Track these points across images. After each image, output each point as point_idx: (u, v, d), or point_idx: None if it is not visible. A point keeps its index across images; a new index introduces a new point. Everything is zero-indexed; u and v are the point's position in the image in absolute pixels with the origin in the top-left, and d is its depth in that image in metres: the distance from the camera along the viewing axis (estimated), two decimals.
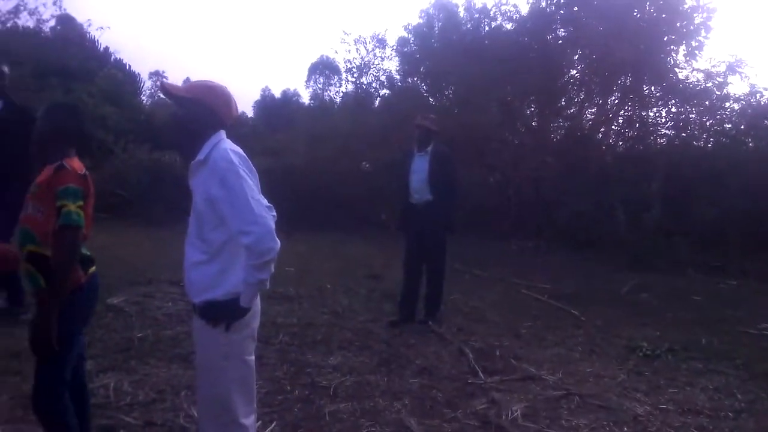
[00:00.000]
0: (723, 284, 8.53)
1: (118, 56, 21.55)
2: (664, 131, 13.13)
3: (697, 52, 12.01)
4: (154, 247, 8.62)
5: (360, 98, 17.06)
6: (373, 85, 16.95)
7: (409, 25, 16.49)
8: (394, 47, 16.49)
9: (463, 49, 13.21)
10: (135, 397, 3.60)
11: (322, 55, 28.57)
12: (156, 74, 28.40)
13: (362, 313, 6.05)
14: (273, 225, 2.13)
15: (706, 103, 12.13)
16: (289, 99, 28.89)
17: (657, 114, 13.22)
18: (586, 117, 13.79)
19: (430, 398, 3.93)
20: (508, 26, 13.89)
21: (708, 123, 12.41)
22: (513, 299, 7.18)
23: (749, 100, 12.03)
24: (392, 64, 16.68)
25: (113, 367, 4.03)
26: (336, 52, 27.63)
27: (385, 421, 3.55)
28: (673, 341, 5.51)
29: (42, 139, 2.55)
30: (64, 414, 2.44)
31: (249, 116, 25.70)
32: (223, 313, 2.19)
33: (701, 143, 12.50)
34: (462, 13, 15.46)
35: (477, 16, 14.70)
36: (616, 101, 13.39)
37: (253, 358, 2.36)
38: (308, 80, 30.15)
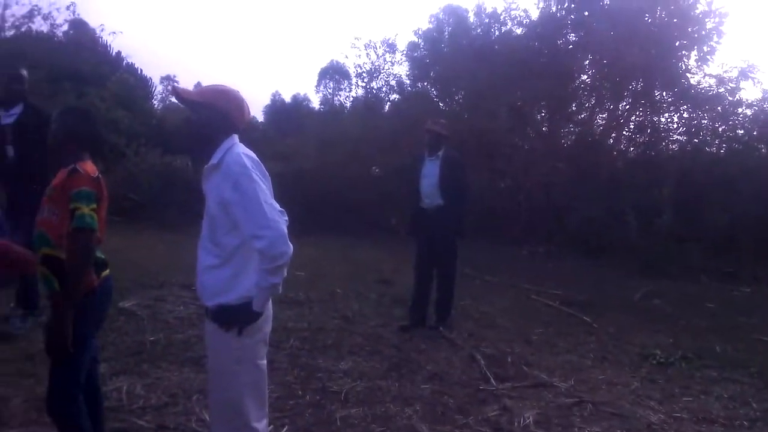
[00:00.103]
0: (736, 291, 8.45)
1: (129, 61, 21.68)
2: (675, 137, 13.08)
3: (709, 57, 11.97)
4: (166, 250, 8.65)
5: (370, 103, 17.10)
6: (383, 89, 17.04)
7: (419, 30, 16.54)
8: (404, 52, 16.56)
9: (473, 53, 13.21)
10: (147, 400, 3.60)
11: (332, 60, 28.61)
12: (167, 79, 28.56)
13: (373, 318, 6.03)
14: (286, 229, 2.13)
15: (719, 108, 12.05)
16: (299, 104, 28.94)
17: (669, 119, 13.18)
18: (597, 122, 13.76)
19: (441, 404, 3.91)
20: (518, 31, 13.90)
21: (720, 129, 12.33)
22: (524, 305, 7.15)
23: (762, 105, 11.96)
24: (402, 69, 16.76)
25: (126, 370, 4.05)
26: (346, 57, 27.58)
27: (396, 426, 3.54)
28: (687, 349, 5.46)
29: (56, 142, 2.57)
30: (78, 417, 2.45)
31: (259, 121, 25.79)
32: (236, 317, 2.19)
33: (713, 149, 12.41)
34: (472, 18, 15.48)
35: (487, 20, 14.72)
36: (627, 106, 13.34)
37: (265, 362, 2.36)
38: (318, 85, 30.19)
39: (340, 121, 17.84)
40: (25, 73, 5.07)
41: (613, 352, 5.38)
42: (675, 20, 11.89)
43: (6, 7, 16.10)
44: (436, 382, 4.32)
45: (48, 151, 2.58)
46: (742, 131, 12.12)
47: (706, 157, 11.85)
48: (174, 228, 10.08)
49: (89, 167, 2.47)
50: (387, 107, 17.03)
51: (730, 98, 11.96)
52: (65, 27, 17.41)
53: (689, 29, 11.83)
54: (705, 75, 12.24)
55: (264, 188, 2.14)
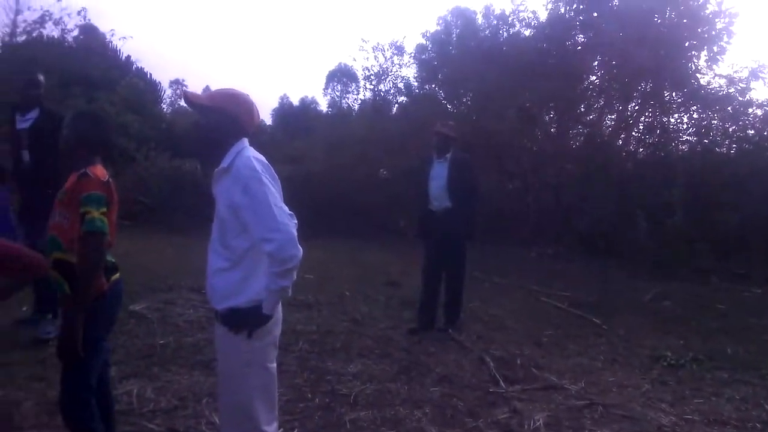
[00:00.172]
0: (747, 292, 8.38)
1: (139, 65, 21.85)
2: (685, 137, 13.00)
3: (719, 57, 11.90)
4: (175, 254, 8.69)
5: (378, 105, 17.13)
6: (391, 92, 17.05)
7: (427, 32, 16.57)
8: (412, 54, 16.59)
9: (481, 55, 13.19)
10: (157, 403, 3.62)
11: (339, 63, 28.63)
12: (176, 83, 28.75)
13: (381, 320, 6.03)
14: (295, 232, 2.14)
15: (729, 109, 11.98)
16: (307, 106, 29.00)
17: (678, 120, 13.10)
18: (606, 123, 13.70)
19: (450, 407, 3.91)
20: (527, 33, 13.88)
21: (730, 129, 12.25)
22: (533, 307, 7.12)
23: None
24: (410, 71, 16.79)
25: (136, 373, 4.07)
26: (354, 59, 27.71)
27: (406, 429, 3.53)
28: (698, 350, 5.43)
29: (67, 147, 2.59)
30: (91, 420, 2.47)
31: (267, 124, 25.86)
32: (246, 320, 2.20)
33: (724, 149, 12.33)
34: (480, 19, 15.49)
35: (495, 22, 14.70)
36: (637, 107, 13.29)
37: (274, 365, 2.37)
38: (326, 88, 30.22)
39: (347, 124, 17.88)
40: (41, 78, 5.12)
41: (623, 354, 5.35)
42: (685, 20, 11.83)
43: (18, 12, 16.26)
44: (446, 385, 4.31)
45: (60, 156, 2.60)
46: (752, 131, 12.04)
47: (717, 157, 11.77)
48: (183, 231, 10.12)
49: (99, 171, 2.49)
50: (395, 109, 17.06)
51: (741, 98, 11.89)
52: (76, 32, 17.54)
53: (699, 29, 11.76)
54: (715, 75, 12.19)
55: (274, 192, 2.15)
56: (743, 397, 4.37)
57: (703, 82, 12.24)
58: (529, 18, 13.77)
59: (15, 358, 4.03)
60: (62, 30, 16.81)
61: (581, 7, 12.63)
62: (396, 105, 17.12)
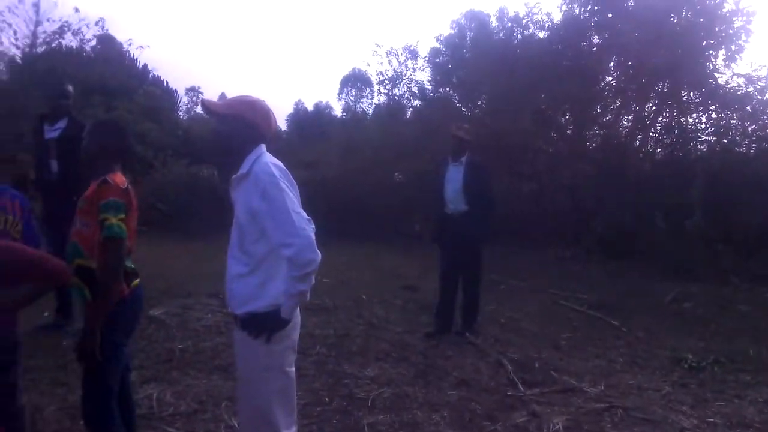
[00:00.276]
0: None
1: (156, 73, 22.18)
2: (704, 137, 12.81)
3: (737, 56, 11.73)
4: (192, 260, 8.78)
5: (392, 109, 17.15)
6: (405, 96, 17.05)
7: (440, 36, 16.60)
8: (426, 58, 16.60)
9: (495, 58, 13.14)
10: (177, 407, 3.65)
11: (353, 68, 28.87)
12: (192, 90, 29.14)
13: (398, 324, 6.03)
14: (314, 237, 2.15)
15: (748, 108, 11.80)
16: (321, 111, 29.20)
17: (696, 120, 12.92)
18: (623, 124, 13.57)
19: (469, 411, 3.89)
20: (541, 35, 13.80)
21: (750, 128, 12.06)
22: (551, 310, 7.07)
23: None
24: (424, 75, 16.81)
25: (156, 377, 4.12)
26: (368, 64, 27.92)
27: None
28: (719, 352, 5.35)
29: (88, 156, 2.63)
30: (112, 424, 2.50)
31: (283, 129, 26.05)
32: (265, 324, 2.21)
33: (743, 149, 12.14)
34: (494, 22, 15.43)
35: (509, 25, 14.64)
36: (654, 108, 13.15)
37: (293, 369, 2.38)
38: (340, 93, 30.44)
39: (362, 129, 17.93)
40: (70, 88, 5.23)
41: (643, 357, 5.30)
42: (701, 20, 11.69)
43: (38, 24, 16.56)
44: (463, 389, 4.30)
45: (82, 164, 2.64)
46: None
47: (736, 157, 11.59)
48: (199, 237, 10.23)
49: (119, 178, 2.53)
50: (409, 113, 17.07)
51: (760, 97, 11.70)
52: (94, 42, 17.84)
53: (716, 28, 11.62)
54: (733, 74, 12.01)
55: (292, 197, 2.17)
56: (766, 399, 4.30)
57: (721, 81, 12.07)
58: (543, 20, 13.72)
59: (37, 364, 4.08)
60: (81, 40, 17.16)
61: (596, 8, 12.54)
62: (410, 109, 17.15)
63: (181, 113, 22.72)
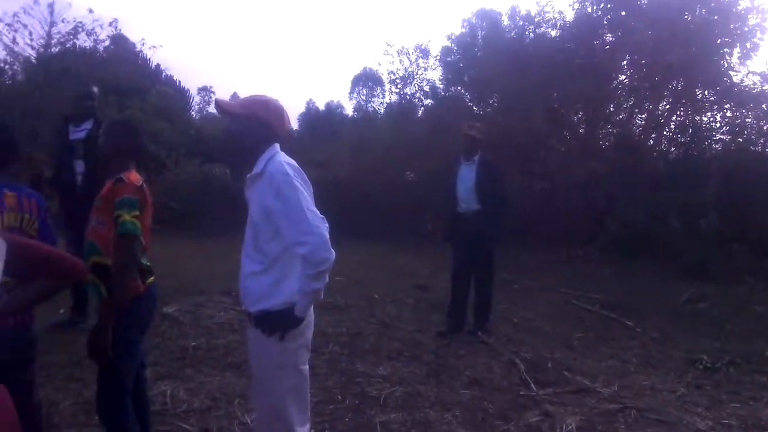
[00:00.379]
0: None
1: (168, 73, 22.33)
2: (719, 136, 12.70)
3: (752, 54, 11.61)
4: (205, 258, 8.82)
5: (404, 108, 17.13)
6: (417, 95, 17.04)
7: (452, 35, 16.60)
8: (438, 57, 16.61)
9: (506, 57, 13.09)
10: (191, 404, 3.68)
11: (365, 67, 28.84)
12: (204, 90, 29.30)
13: (410, 323, 6.03)
14: (328, 235, 2.16)
15: (763, 106, 11.70)
16: (333, 111, 29.23)
17: (711, 119, 12.81)
18: (636, 123, 13.47)
19: (481, 410, 3.88)
20: (553, 33, 13.74)
21: (765, 127, 11.95)
22: (563, 309, 7.04)
23: None
24: (435, 74, 16.82)
25: (170, 374, 4.14)
26: (380, 64, 27.89)
27: None
28: (735, 353, 5.29)
29: (103, 155, 2.66)
30: (126, 419, 2.52)
31: (294, 128, 26.10)
32: (278, 322, 2.22)
33: (758, 148, 12.01)
34: (505, 21, 15.42)
35: (521, 23, 14.60)
36: (668, 106, 13.05)
37: (307, 367, 2.38)
38: (351, 92, 30.44)
39: (373, 128, 17.94)
40: (95, 90, 5.30)
41: (657, 357, 5.26)
42: (715, 17, 11.58)
43: (52, 24, 16.71)
44: (476, 388, 4.29)
45: (98, 164, 2.67)
46: None
47: (751, 156, 11.47)
48: (212, 236, 10.28)
49: (134, 176, 2.55)
50: (420, 112, 17.05)
51: None
52: (107, 42, 17.97)
53: (731, 26, 11.51)
54: (748, 72, 11.90)
55: (306, 196, 2.17)
56: None
57: (736, 79, 11.96)
58: (555, 18, 13.65)
59: (52, 360, 4.12)
60: (94, 41, 17.25)
61: (609, 5, 12.46)
62: (421, 108, 17.13)
63: (193, 113, 22.89)
